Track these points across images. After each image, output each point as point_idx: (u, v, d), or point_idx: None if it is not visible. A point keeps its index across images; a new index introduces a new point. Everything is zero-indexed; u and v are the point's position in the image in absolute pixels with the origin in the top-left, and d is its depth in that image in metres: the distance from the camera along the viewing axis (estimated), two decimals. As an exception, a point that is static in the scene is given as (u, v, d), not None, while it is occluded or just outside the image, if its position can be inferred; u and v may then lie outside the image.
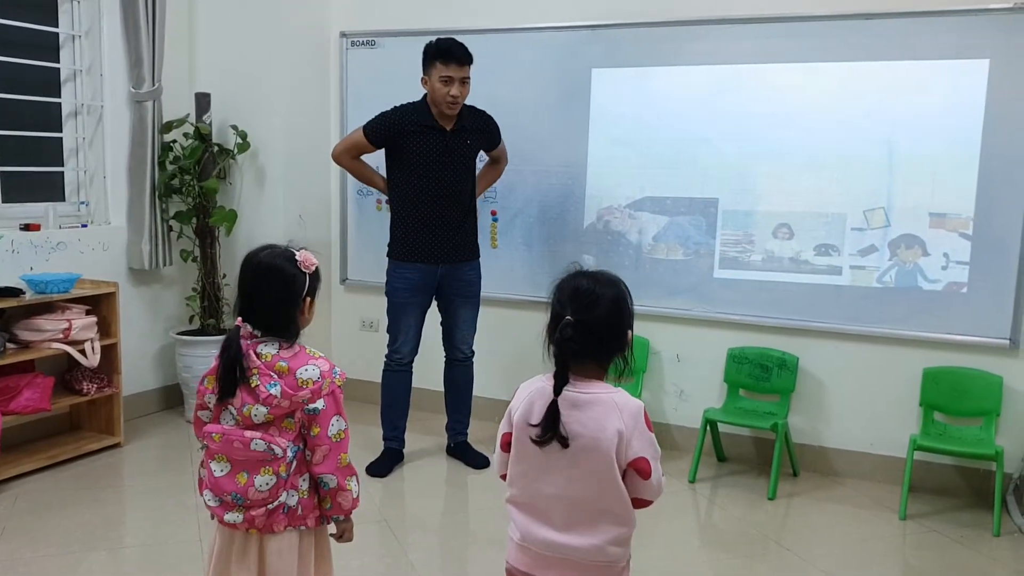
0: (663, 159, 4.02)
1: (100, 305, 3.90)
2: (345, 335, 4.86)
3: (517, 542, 1.81)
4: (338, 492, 1.95)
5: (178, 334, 4.39)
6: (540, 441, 1.71)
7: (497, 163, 3.95)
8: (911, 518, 3.45)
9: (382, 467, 3.79)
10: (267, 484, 1.87)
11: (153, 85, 4.19)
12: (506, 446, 1.83)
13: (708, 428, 3.88)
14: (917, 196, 3.64)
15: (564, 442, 1.69)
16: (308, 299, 1.95)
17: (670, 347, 4.07)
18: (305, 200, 4.63)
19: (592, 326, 1.70)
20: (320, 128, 4.68)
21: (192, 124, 4.36)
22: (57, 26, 4.10)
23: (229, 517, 1.91)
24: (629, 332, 1.77)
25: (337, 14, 4.64)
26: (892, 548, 3.24)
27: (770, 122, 3.83)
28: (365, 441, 4.04)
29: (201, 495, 1.97)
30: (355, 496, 1.98)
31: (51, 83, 4.13)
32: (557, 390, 1.70)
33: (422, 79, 3.58)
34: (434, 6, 4.41)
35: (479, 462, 3.91)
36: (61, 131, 4.18)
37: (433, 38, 3.61)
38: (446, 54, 3.48)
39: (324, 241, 4.79)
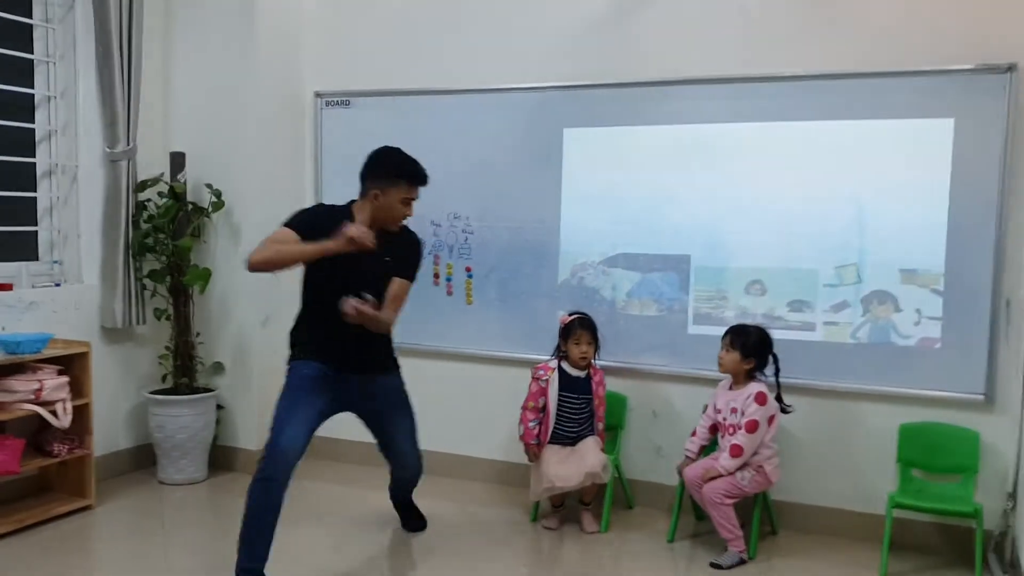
0: (635, 216, 4.04)
1: (72, 365, 3.85)
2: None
3: None
4: None
5: (151, 393, 4.35)
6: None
7: (390, 303, 3.24)
8: (892, 577, 3.41)
9: None
10: None
11: (128, 145, 4.20)
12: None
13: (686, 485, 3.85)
14: (888, 252, 3.65)
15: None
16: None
17: (646, 403, 4.04)
18: (280, 258, 4.60)
19: None
20: (295, 187, 4.68)
21: (167, 183, 4.36)
22: (33, 87, 4.11)
23: None
24: None
25: (312, 74, 4.67)
26: (872, 610, 3.19)
27: (740, 179, 3.85)
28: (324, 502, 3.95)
29: None
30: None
31: (26, 142, 4.13)
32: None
33: (372, 193, 3.23)
34: (408, 67, 4.45)
35: (415, 526, 3.72)
36: (35, 190, 4.18)
37: (381, 147, 3.32)
38: (417, 177, 3.27)
39: (297, 299, 4.75)
